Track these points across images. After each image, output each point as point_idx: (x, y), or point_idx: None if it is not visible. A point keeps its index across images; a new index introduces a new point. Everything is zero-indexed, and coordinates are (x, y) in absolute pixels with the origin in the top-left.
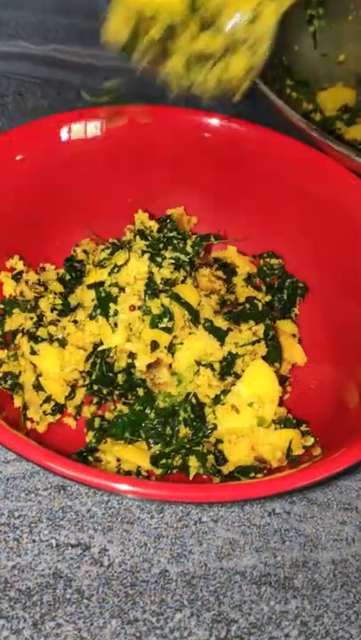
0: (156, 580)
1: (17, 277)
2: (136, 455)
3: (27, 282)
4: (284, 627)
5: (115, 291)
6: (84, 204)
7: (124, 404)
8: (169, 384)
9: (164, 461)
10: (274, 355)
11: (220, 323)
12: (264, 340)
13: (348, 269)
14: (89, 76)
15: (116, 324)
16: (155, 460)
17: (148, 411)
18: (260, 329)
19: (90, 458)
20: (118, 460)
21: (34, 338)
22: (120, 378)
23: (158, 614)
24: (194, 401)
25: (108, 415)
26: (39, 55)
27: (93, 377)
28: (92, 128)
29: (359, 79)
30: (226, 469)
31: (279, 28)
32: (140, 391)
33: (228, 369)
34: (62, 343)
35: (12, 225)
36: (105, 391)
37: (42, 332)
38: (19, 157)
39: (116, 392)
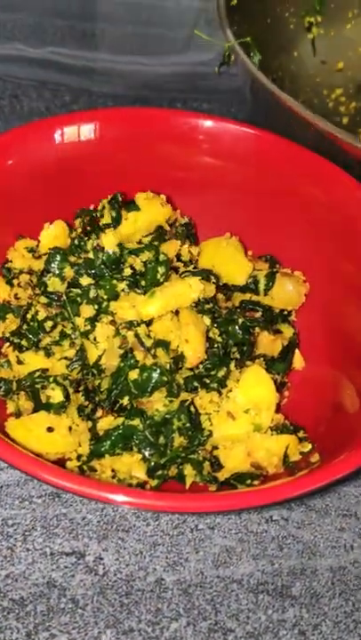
0: (151, 588)
1: (10, 282)
2: (130, 464)
3: (19, 284)
4: (282, 636)
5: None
6: (78, 208)
7: (115, 413)
8: (154, 402)
9: (160, 473)
10: (285, 367)
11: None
12: (284, 353)
13: (347, 273)
14: (85, 78)
15: (95, 339)
16: (151, 473)
17: (137, 422)
18: (278, 343)
19: (84, 467)
20: (113, 469)
21: (19, 347)
22: (104, 394)
23: (154, 624)
24: (193, 409)
25: (100, 425)
26: (35, 57)
27: (82, 387)
28: (87, 131)
29: (358, 87)
30: (222, 476)
31: (278, 32)
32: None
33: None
34: (48, 352)
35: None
36: (97, 399)
37: (25, 342)
38: (10, 162)
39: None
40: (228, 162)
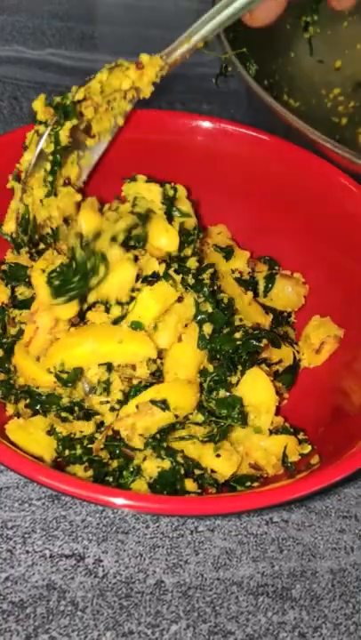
0: (151, 591)
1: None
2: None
3: None
4: (282, 638)
5: None
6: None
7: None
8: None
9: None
10: (291, 380)
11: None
12: (289, 371)
13: (347, 274)
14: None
15: None
16: (153, 486)
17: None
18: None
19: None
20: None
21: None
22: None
23: (154, 626)
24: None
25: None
26: (35, 59)
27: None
28: None
29: (357, 85)
30: (221, 478)
31: (274, 33)
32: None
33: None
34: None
35: None
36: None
37: (17, 347)
38: (9, 164)
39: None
40: (227, 163)
